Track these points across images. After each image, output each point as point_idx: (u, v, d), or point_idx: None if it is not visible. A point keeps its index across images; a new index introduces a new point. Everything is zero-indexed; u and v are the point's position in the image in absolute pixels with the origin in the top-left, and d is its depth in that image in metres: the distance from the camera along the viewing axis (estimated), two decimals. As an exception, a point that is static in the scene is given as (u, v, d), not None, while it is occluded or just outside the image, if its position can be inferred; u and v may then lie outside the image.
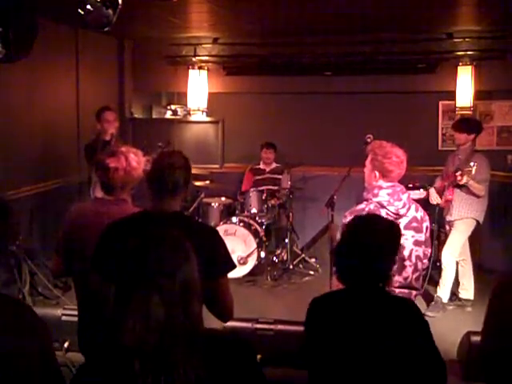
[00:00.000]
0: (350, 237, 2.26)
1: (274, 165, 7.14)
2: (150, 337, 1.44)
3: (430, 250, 3.21)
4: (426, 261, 3.17)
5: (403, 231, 2.96)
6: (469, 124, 5.57)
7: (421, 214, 3.10)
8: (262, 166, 7.15)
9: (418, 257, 3.05)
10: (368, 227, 2.27)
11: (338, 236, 3.08)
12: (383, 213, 3.00)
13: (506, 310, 2.04)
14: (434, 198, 5.50)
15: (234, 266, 2.48)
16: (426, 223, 3.11)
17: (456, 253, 5.35)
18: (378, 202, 3.02)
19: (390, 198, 3.02)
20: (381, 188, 3.05)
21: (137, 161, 2.85)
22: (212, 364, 1.49)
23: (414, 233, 3.04)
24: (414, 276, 3.04)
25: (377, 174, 3.08)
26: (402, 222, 3.01)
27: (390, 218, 2.97)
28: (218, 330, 1.73)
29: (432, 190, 5.56)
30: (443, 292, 5.32)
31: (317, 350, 2.17)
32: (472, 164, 4.97)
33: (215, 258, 2.37)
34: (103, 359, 1.56)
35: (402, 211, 3.02)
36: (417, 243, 3.05)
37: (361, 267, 2.17)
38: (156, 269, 1.49)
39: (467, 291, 5.41)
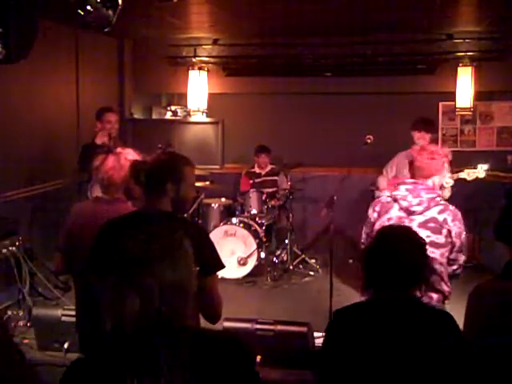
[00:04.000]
0: (381, 246, 2.20)
1: (269, 167, 7.12)
2: (126, 326, 1.46)
3: (462, 257, 3.16)
4: (455, 266, 3.14)
5: (416, 228, 2.94)
6: (433, 124, 5.49)
7: (447, 217, 3.04)
8: (257, 170, 7.13)
9: (433, 259, 2.98)
10: (394, 235, 2.23)
11: (371, 212, 3.10)
12: (395, 207, 3.03)
13: (483, 313, 2.04)
14: None
15: (221, 266, 2.46)
16: (449, 227, 3.04)
17: None
18: (393, 195, 3.05)
19: (407, 194, 3.02)
20: (403, 183, 3.09)
21: (130, 160, 2.86)
22: (201, 363, 1.49)
23: (429, 233, 3.00)
24: (432, 279, 3.01)
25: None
26: (417, 220, 3.01)
27: (401, 212, 3.02)
28: (209, 329, 1.72)
29: (385, 193, 5.36)
30: None
31: (341, 365, 2.06)
32: (481, 167, 4.92)
33: (201, 257, 2.37)
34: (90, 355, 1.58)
35: (415, 208, 3.00)
36: (433, 244, 3.00)
37: (392, 275, 2.11)
38: (134, 261, 1.51)
39: None
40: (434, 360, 2.00)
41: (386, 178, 5.47)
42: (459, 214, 3.13)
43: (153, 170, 2.47)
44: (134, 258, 1.53)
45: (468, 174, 4.95)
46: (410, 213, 3.01)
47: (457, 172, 5.00)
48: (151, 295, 1.48)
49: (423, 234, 2.98)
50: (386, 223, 2.96)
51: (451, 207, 3.13)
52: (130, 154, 2.89)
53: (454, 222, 3.08)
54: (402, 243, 2.16)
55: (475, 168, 4.94)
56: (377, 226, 3.00)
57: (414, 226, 2.96)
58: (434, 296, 3.05)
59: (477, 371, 2.03)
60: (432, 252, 2.99)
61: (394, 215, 2.99)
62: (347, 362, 2.05)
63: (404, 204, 3.01)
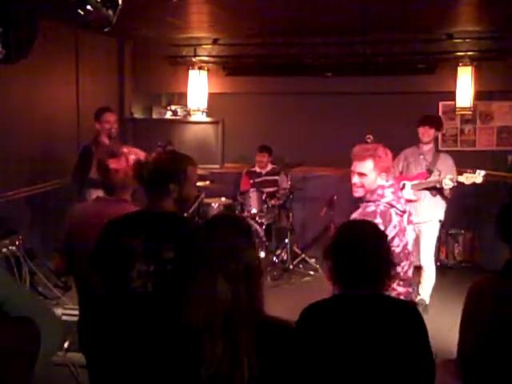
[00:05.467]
0: (344, 242, 2.21)
1: (269, 167, 7.13)
2: (216, 315, 1.49)
3: None
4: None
5: (406, 227, 3.02)
6: (437, 120, 5.52)
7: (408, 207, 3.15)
8: (257, 170, 7.14)
9: (410, 252, 3.07)
10: (358, 231, 2.24)
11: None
12: (393, 212, 2.98)
13: (480, 312, 2.05)
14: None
15: None
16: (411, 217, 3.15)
17: (433, 254, 5.34)
18: (388, 203, 2.99)
19: (394, 197, 3.03)
20: (383, 187, 3.03)
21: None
22: (264, 349, 1.56)
23: (412, 226, 3.10)
24: (410, 270, 3.05)
25: (383, 175, 3.07)
26: (404, 218, 3.03)
27: (397, 216, 3.00)
28: (275, 317, 1.76)
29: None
30: (425, 294, 5.29)
31: (312, 359, 2.08)
32: (479, 172, 4.94)
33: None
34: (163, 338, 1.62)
35: (405, 207, 3.06)
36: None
37: (359, 271, 2.13)
38: (222, 251, 1.58)
39: (423, 291, 5.37)
40: (400, 352, 2.03)
41: (392, 176, 5.51)
42: None
43: (156, 170, 2.47)
44: (221, 246, 1.61)
45: (466, 178, 4.99)
46: (403, 213, 3.02)
47: (457, 174, 5.05)
48: (238, 282, 1.55)
49: (409, 228, 3.05)
50: (394, 231, 2.93)
51: None
52: (138, 154, 2.89)
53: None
54: (366, 239, 2.17)
55: (474, 173, 4.98)
56: None
57: (406, 225, 3.03)
58: (410, 289, 3.08)
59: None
60: (411, 245, 3.05)
61: (396, 221, 2.97)
62: (316, 358, 2.07)
63: (399, 207, 3.01)
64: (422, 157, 5.36)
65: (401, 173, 5.46)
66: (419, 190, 5.17)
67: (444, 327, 4.73)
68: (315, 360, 2.06)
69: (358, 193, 3.11)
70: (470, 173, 4.98)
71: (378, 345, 2.03)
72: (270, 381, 1.56)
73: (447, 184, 5.00)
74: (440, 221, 5.35)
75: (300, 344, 2.10)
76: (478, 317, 2.06)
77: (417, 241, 5.19)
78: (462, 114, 6.99)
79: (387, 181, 3.09)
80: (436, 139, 7.13)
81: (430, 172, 5.22)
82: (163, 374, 1.63)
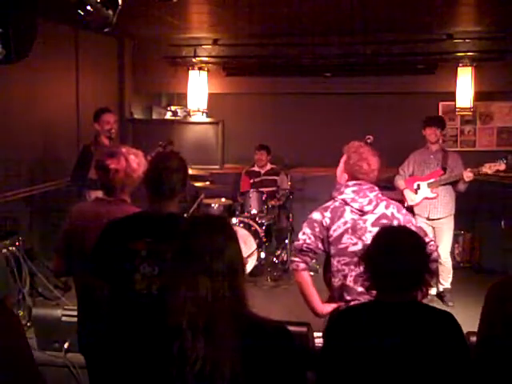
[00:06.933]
0: (381, 249, 2.17)
1: (268, 166, 7.13)
2: (199, 315, 1.49)
3: (426, 239, 3.13)
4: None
5: (370, 228, 2.95)
6: (441, 120, 5.72)
7: (393, 210, 3.03)
8: (256, 169, 7.14)
9: None
10: (396, 238, 2.20)
11: (319, 216, 3.04)
12: (347, 210, 2.99)
13: (501, 312, 2.04)
14: (413, 198, 5.45)
15: None
16: (398, 219, 3.01)
17: (450, 248, 5.50)
18: (343, 199, 3.02)
19: (354, 196, 3.00)
20: (347, 186, 3.06)
21: (137, 162, 2.86)
22: (250, 348, 1.55)
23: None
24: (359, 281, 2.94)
25: (345, 176, 3.10)
26: (369, 219, 2.98)
27: (354, 214, 2.98)
28: (259, 315, 1.76)
29: (407, 191, 5.50)
30: (447, 282, 5.48)
31: (341, 367, 2.04)
32: (502, 160, 5.07)
33: None
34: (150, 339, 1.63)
35: (367, 208, 2.98)
36: None
37: (395, 278, 2.09)
38: (203, 251, 1.58)
39: (446, 282, 5.53)
40: (437, 362, 1.98)
41: (402, 178, 5.60)
42: (402, 207, 3.13)
43: (159, 171, 2.47)
44: (204, 244, 1.60)
45: (489, 168, 5.13)
46: (362, 213, 2.99)
47: (477, 167, 5.19)
48: (220, 278, 1.56)
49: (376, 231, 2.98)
50: (343, 227, 2.95)
51: (393, 201, 3.12)
52: (137, 155, 2.89)
53: (401, 212, 3.06)
54: (406, 245, 2.12)
55: (495, 161, 5.12)
56: (332, 232, 2.97)
57: (368, 226, 2.96)
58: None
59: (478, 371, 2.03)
60: None
61: (349, 218, 2.96)
62: (348, 365, 2.03)
63: (356, 206, 2.99)
64: (432, 156, 5.50)
65: (411, 175, 5.57)
66: (437, 187, 5.34)
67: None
68: (345, 365, 2.03)
69: None
70: (491, 162, 5.14)
71: (414, 354, 1.99)
72: (255, 380, 1.56)
73: (469, 176, 5.15)
74: (453, 214, 5.51)
75: (330, 348, 2.10)
76: (502, 318, 2.06)
77: (436, 236, 5.36)
78: (462, 115, 7.00)
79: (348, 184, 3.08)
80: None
81: (444, 169, 5.38)
82: (153, 374, 1.64)
